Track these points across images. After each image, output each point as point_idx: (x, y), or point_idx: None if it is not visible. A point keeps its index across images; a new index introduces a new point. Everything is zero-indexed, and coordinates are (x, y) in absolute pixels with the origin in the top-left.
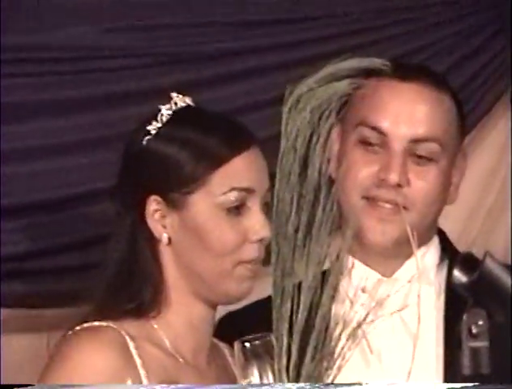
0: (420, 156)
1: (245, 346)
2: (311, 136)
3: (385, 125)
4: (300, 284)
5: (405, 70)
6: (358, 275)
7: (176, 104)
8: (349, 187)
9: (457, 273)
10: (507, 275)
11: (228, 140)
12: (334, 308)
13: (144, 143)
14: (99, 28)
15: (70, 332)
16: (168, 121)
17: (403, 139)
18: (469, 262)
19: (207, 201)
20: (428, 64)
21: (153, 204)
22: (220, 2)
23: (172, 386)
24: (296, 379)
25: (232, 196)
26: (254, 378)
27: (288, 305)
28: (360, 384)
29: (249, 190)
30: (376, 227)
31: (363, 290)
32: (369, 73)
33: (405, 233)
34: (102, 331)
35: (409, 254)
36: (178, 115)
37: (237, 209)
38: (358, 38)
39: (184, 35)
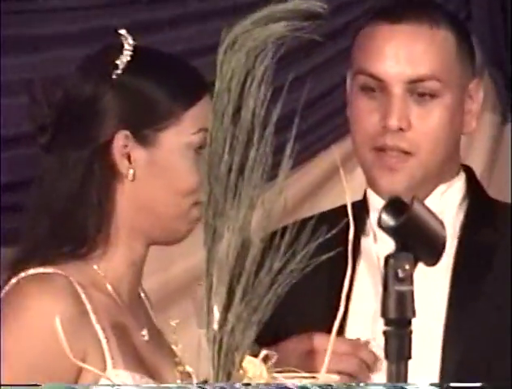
0: (421, 95)
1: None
2: (246, 78)
3: (381, 70)
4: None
5: (399, 11)
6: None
7: (130, 43)
8: (358, 140)
9: (385, 217)
10: (435, 220)
11: (199, 79)
12: None
13: (114, 76)
14: None
15: (15, 280)
16: (132, 55)
17: (399, 82)
18: (397, 206)
19: (178, 140)
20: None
21: (122, 139)
22: None
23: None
24: (225, 321)
25: (201, 136)
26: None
27: (219, 245)
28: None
29: None
30: (386, 177)
31: None
32: (307, 16)
33: (416, 179)
34: (53, 278)
35: (426, 195)
36: (143, 52)
37: (201, 149)
38: None
39: None
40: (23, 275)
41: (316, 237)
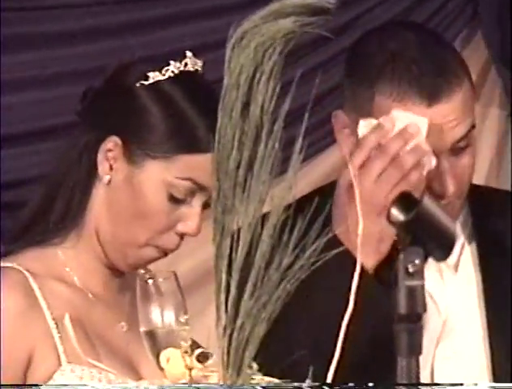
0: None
1: (147, 282)
2: (254, 73)
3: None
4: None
5: (429, 92)
6: None
7: (186, 65)
8: None
9: (395, 212)
10: (445, 215)
11: (212, 134)
12: None
13: (137, 85)
14: None
15: None
16: (169, 78)
17: (441, 152)
18: (407, 202)
19: (160, 175)
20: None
21: (110, 143)
22: None
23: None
24: (235, 317)
25: (185, 185)
26: (155, 315)
27: (228, 242)
28: None
29: (202, 187)
30: None
31: None
32: (316, 12)
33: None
34: (7, 273)
35: None
36: (182, 78)
37: (182, 197)
38: None
39: None
40: None
41: (326, 233)
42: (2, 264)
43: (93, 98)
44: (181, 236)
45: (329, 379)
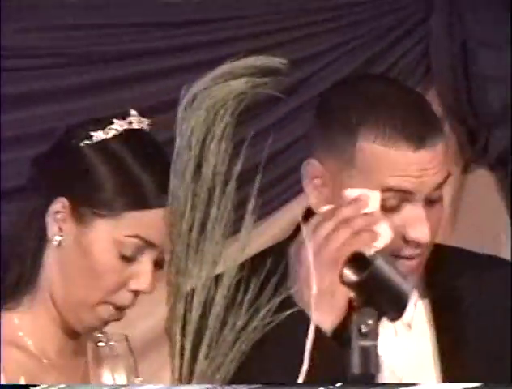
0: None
1: (98, 345)
2: (206, 134)
3: (408, 186)
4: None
5: (416, 137)
6: None
7: (130, 123)
8: None
9: (347, 272)
10: (398, 276)
11: (160, 190)
12: None
13: (81, 144)
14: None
15: None
16: (114, 136)
17: (422, 194)
18: (359, 262)
19: (109, 233)
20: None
21: (58, 205)
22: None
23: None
24: (189, 378)
25: (134, 242)
26: (106, 378)
27: (182, 304)
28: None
29: (151, 244)
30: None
31: None
32: (268, 72)
33: None
34: None
35: None
36: (127, 136)
37: (132, 255)
38: (262, 40)
39: (86, 36)
40: None
41: (279, 293)
42: None
43: (41, 163)
44: (135, 293)
45: None
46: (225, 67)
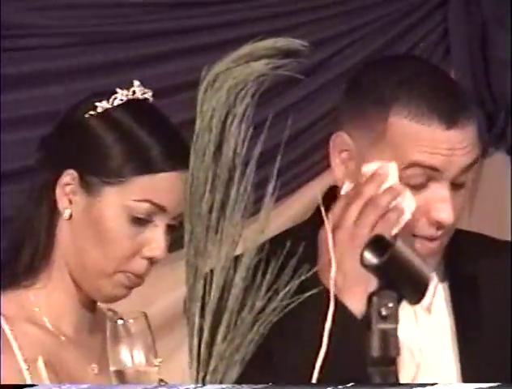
0: (457, 185)
1: (117, 323)
2: (226, 116)
3: (437, 163)
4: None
5: (448, 115)
6: None
7: (134, 92)
8: None
9: (367, 255)
10: (418, 259)
11: (167, 154)
12: None
13: (86, 116)
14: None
15: None
16: (118, 105)
17: (453, 173)
18: (380, 245)
19: (118, 200)
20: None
21: (67, 177)
22: None
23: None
24: (208, 359)
25: (144, 207)
26: (124, 356)
27: (201, 284)
28: None
29: (161, 208)
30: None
31: None
32: (288, 54)
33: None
34: None
35: None
36: (131, 105)
37: (143, 220)
38: (282, 21)
39: (105, 16)
40: None
41: (298, 275)
42: None
43: (49, 139)
44: (150, 260)
45: None
46: (246, 48)
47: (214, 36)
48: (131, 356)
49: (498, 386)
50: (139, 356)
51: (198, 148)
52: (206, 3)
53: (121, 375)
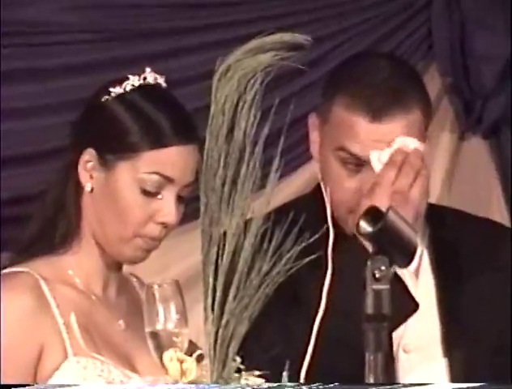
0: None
1: (153, 288)
2: (238, 102)
3: (363, 154)
4: (225, 232)
5: (374, 111)
6: None
7: (145, 79)
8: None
9: (363, 224)
10: (408, 228)
11: (176, 129)
12: None
13: (102, 100)
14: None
15: None
16: (131, 90)
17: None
18: (374, 215)
19: (129, 173)
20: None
21: (87, 155)
22: None
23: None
24: (220, 316)
25: (153, 179)
26: (159, 318)
27: (215, 250)
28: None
29: (169, 179)
30: None
31: None
32: (293, 47)
33: None
34: (19, 276)
35: None
36: (144, 89)
37: (153, 193)
38: (287, 19)
39: (124, 15)
40: (1, 273)
41: (300, 242)
42: (17, 269)
43: (75, 124)
44: (163, 225)
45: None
46: (255, 42)
47: (227, 34)
48: (165, 318)
49: (482, 385)
50: (173, 319)
51: (213, 130)
52: (218, 4)
53: (155, 336)
